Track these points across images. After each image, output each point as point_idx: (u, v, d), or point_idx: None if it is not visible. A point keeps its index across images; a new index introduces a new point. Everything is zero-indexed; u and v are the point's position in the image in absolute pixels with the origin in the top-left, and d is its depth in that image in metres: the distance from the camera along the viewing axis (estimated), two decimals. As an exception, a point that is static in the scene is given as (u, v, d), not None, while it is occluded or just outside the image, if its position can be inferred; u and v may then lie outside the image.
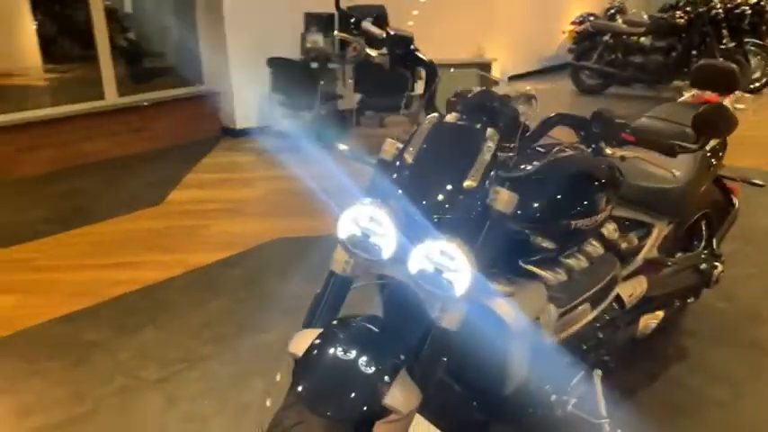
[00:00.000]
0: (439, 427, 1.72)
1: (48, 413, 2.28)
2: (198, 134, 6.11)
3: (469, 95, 1.58)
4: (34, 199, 4.58)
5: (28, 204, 4.47)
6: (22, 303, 3.09)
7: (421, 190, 1.42)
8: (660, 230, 2.20)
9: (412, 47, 5.46)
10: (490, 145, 1.43)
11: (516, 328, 1.52)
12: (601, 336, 1.90)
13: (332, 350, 1.36)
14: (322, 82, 5.50)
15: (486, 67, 5.86)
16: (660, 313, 2.34)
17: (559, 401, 1.74)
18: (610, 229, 1.92)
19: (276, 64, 5.54)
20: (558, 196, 1.56)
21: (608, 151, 1.57)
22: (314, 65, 5.66)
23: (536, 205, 1.52)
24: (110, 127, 5.62)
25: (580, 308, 1.76)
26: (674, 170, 1.71)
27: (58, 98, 5.55)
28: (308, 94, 5.36)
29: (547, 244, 1.59)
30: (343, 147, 1.69)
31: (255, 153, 5.73)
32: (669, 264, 2.34)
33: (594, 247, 1.81)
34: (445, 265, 1.34)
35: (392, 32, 5.50)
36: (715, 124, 1.58)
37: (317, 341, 1.38)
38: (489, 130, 1.46)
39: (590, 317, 1.82)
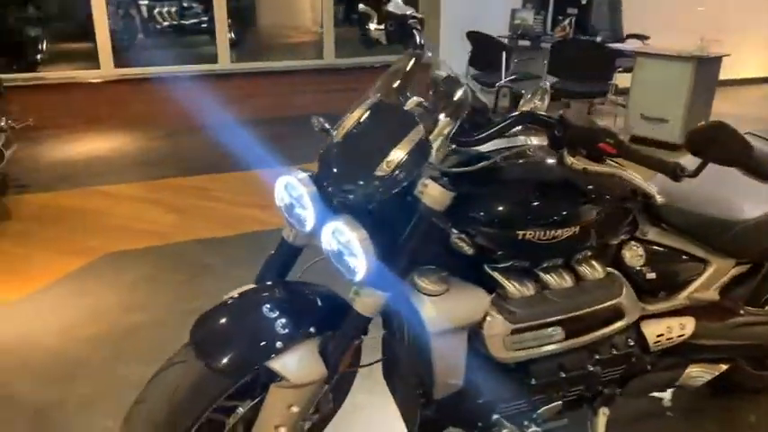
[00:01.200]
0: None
1: (147, 311, 2.76)
2: (407, 99, 6.38)
3: (441, 80, 1.52)
4: (233, 140, 5.29)
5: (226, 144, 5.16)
6: (179, 222, 3.70)
7: (336, 168, 1.41)
8: (719, 269, 1.89)
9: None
10: (416, 134, 1.39)
11: (434, 328, 1.49)
12: (593, 369, 1.73)
13: (238, 304, 1.49)
14: (515, 60, 5.39)
15: (709, 62, 5.15)
16: (722, 367, 2.02)
17: (504, 423, 1.66)
18: (630, 254, 1.73)
19: (474, 38, 5.56)
20: (498, 201, 1.47)
21: (568, 160, 1.42)
22: (505, 41, 5.56)
23: (475, 207, 1.46)
24: (325, 85, 6.17)
25: (548, 330, 1.63)
26: (746, 202, 1.49)
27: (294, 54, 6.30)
28: (500, 70, 5.31)
29: (502, 252, 1.52)
30: None
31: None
32: (741, 312, 1.99)
33: (592, 269, 1.66)
34: (348, 248, 1.38)
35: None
36: (712, 144, 1.34)
37: (235, 294, 1.52)
38: (443, 120, 1.40)
39: (566, 344, 1.67)
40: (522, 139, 1.57)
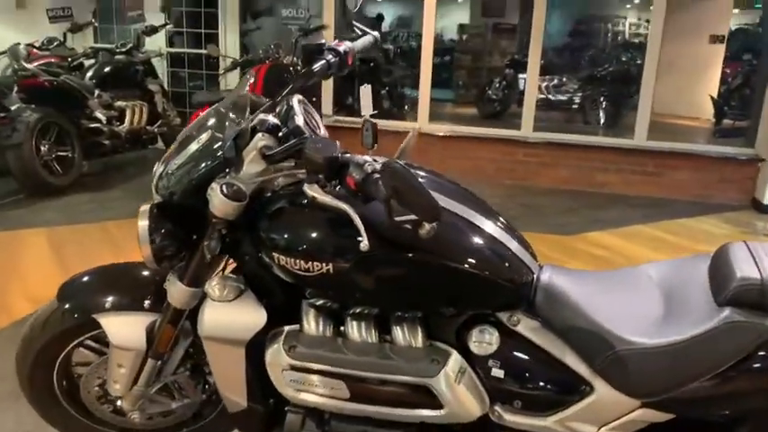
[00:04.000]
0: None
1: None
2: (717, 197, 5.54)
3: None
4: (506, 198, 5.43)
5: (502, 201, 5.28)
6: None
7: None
8: (607, 402, 1.41)
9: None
10: (207, 137, 1.56)
11: (202, 331, 1.63)
12: None
13: (102, 270, 1.89)
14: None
15: None
16: None
17: None
18: (476, 337, 1.51)
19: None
20: (266, 224, 1.53)
21: (305, 188, 1.39)
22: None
23: (255, 228, 1.53)
24: (626, 164, 5.80)
25: (330, 380, 1.51)
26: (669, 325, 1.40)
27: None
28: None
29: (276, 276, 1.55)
30: None
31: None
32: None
33: (408, 334, 1.52)
34: None
35: None
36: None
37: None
38: (258, 136, 1.49)
39: (353, 407, 1.52)
40: None
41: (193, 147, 1.57)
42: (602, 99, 8.44)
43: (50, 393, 1.94)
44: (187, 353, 1.88)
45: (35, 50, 5.42)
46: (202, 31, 6.70)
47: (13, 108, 4.87)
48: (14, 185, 5.01)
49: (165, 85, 6.46)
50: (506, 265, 1.48)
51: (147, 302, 1.77)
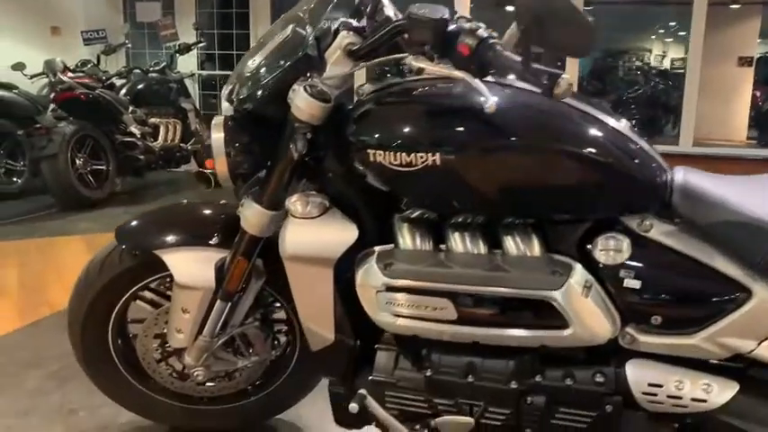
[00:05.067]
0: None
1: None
2: None
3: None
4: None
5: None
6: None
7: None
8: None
9: None
10: (283, 36, 1.41)
11: (285, 252, 1.42)
12: (531, 398, 1.33)
13: (159, 210, 1.77)
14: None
15: None
16: None
17: (378, 411, 1.43)
18: (602, 245, 1.30)
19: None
20: (361, 118, 1.37)
21: (409, 61, 1.22)
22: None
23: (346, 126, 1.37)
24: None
25: (432, 300, 1.31)
26: None
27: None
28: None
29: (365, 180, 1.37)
30: None
31: None
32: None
33: (521, 243, 1.33)
34: None
35: None
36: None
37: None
38: (342, 33, 1.34)
39: (461, 331, 1.32)
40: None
41: (273, 44, 1.42)
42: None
43: (104, 351, 1.76)
44: (257, 301, 1.69)
45: (69, 72, 5.41)
46: (234, 52, 6.70)
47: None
48: (48, 201, 4.93)
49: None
50: (638, 160, 1.29)
51: (215, 238, 1.60)
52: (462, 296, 1.30)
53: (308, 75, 1.38)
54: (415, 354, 1.41)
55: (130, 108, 5.37)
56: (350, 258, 1.40)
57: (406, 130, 1.30)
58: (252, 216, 1.47)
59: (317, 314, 1.44)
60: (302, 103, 1.33)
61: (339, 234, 1.38)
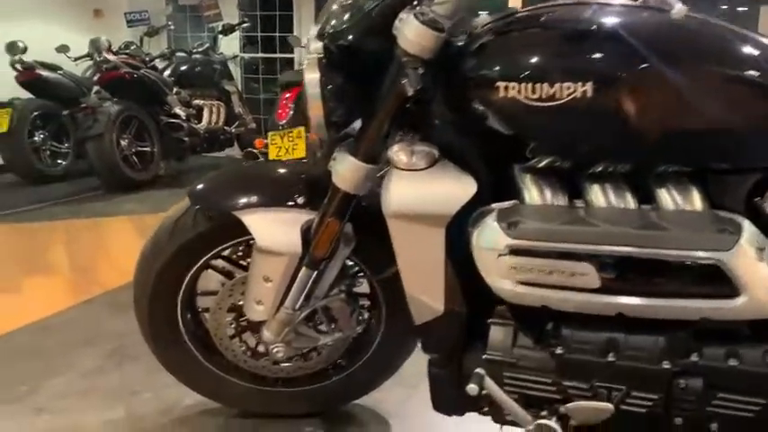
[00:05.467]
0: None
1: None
2: None
3: None
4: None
5: None
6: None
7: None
8: None
9: None
10: None
11: (388, 208, 1.24)
12: (685, 381, 1.12)
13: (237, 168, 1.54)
14: None
15: None
16: None
17: (497, 393, 1.22)
18: None
19: None
20: (485, 48, 1.16)
21: None
22: None
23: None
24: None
25: (569, 264, 1.10)
26: None
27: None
28: None
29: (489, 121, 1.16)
30: None
31: None
32: None
33: (678, 195, 1.12)
34: None
35: None
36: None
37: None
38: None
39: (604, 301, 1.11)
40: None
41: None
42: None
43: (172, 326, 1.59)
44: (342, 272, 1.51)
45: (112, 54, 5.31)
46: (277, 34, 6.54)
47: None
48: (92, 183, 4.83)
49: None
50: None
51: (300, 198, 1.42)
52: (607, 259, 1.09)
53: (416, 1, 1.18)
54: (539, 328, 1.21)
55: (175, 89, 5.25)
56: (462, 219, 1.20)
57: (550, 57, 1.10)
58: (345, 170, 1.28)
59: (425, 281, 1.25)
60: (412, 32, 1.13)
61: (454, 187, 1.18)
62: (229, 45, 6.30)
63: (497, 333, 1.24)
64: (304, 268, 1.40)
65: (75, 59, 5.38)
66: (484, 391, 1.22)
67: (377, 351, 1.64)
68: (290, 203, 1.41)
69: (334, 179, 1.31)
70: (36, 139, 4.95)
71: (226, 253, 1.56)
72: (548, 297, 1.14)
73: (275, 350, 1.50)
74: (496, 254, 1.14)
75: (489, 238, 1.15)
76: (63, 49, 5.35)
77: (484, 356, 1.23)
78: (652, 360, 1.12)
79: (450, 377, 1.31)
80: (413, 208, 1.20)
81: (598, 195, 1.14)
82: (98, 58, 4.85)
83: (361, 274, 1.60)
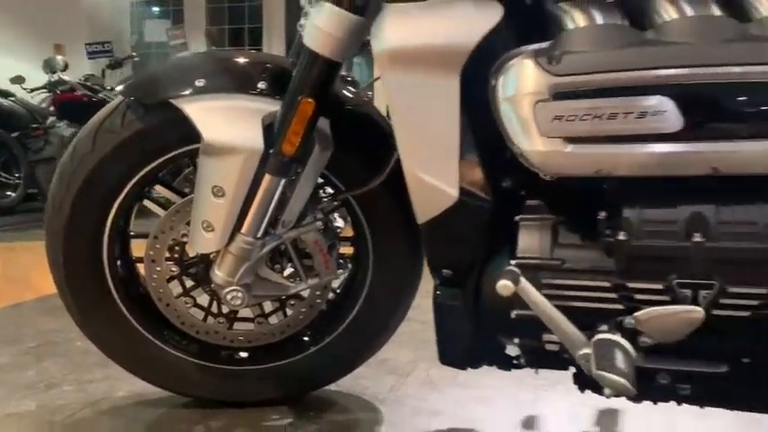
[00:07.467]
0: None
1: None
2: None
3: None
4: None
5: None
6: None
7: None
8: None
9: None
10: None
11: (379, 46, 0.92)
12: None
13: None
14: None
15: None
16: None
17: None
18: None
19: None
20: None
21: None
22: None
23: None
24: None
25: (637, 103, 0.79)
26: None
27: None
28: None
29: None
30: None
31: None
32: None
33: None
34: None
35: None
36: None
37: None
38: None
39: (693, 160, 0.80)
40: None
41: None
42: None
43: (96, 277, 1.22)
44: (316, 194, 1.18)
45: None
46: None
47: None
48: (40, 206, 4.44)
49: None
50: None
51: (261, 83, 1.09)
52: (695, 89, 0.78)
53: None
54: (588, 219, 0.88)
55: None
56: (482, 64, 0.88)
57: None
58: (324, 25, 0.97)
59: (432, 154, 0.91)
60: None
61: (473, 12, 0.87)
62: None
63: (530, 230, 0.91)
64: (267, 175, 1.06)
65: (31, 90, 5.08)
66: (524, 296, 0.86)
67: (362, 312, 1.28)
68: (249, 89, 1.08)
69: (306, 41, 1.00)
70: (-18, 169, 4.59)
71: (167, 176, 1.23)
72: (608, 156, 0.82)
73: (229, 295, 1.13)
74: (533, 101, 0.82)
75: (523, 80, 0.83)
76: (18, 80, 5.07)
77: (515, 262, 0.90)
78: (759, 238, 0.80)
79: (465, 304, 0.97)
80: (417, 42, 0.88)
81: (668, 8, 0.83)
82: (52, 79, 4.54)
83: (341, 208, 1.26)
